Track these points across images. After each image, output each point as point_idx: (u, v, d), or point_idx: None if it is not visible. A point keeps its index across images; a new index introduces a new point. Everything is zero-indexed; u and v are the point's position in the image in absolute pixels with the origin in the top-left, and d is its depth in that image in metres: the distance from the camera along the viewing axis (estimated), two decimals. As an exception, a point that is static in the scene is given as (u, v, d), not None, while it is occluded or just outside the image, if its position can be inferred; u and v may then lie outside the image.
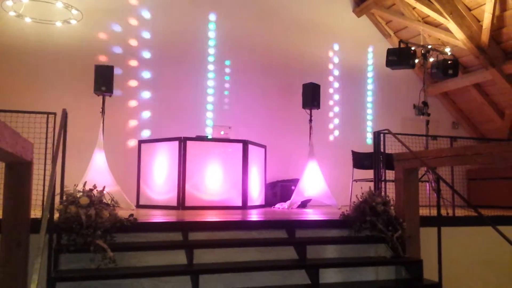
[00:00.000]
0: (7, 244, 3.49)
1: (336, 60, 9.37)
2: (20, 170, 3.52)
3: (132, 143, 7.57)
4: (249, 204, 6.86)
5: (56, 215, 3.72)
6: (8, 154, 2.75)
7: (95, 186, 3.95)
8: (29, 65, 7.26)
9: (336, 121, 9.25)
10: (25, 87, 7.17)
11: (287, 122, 8.59)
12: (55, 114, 4.35)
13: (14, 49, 7.20)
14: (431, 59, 7.49)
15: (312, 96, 7.49)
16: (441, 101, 10.03)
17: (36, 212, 3.84)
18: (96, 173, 6.10)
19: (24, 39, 7.26)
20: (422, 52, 7.20)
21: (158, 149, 6.90)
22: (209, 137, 7.28)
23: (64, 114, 3.93)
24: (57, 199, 3.86)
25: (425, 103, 6.96)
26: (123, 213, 4.04)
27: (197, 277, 3.78)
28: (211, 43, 8.45)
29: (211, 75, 8.40)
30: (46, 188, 3.84)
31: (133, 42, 7.92)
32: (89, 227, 3.61)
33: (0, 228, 3.52)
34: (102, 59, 7.34)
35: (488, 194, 8.39)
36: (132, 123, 7.78)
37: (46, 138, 4.25)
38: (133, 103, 7.82)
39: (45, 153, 4.23)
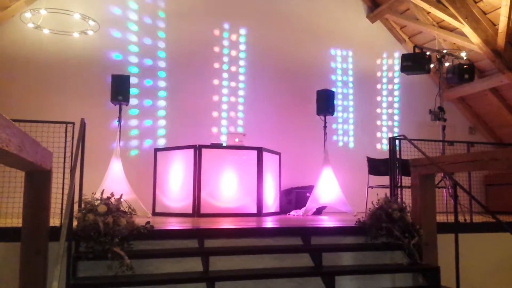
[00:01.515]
0: (26, 251, 3.56)
1: (350, 66, 9.36)
2: (39, 179, 3.59)
3: (148, 151, 7.64)
4: (264, 211, 6.86)
5: (75, 223, 3.78)
6: (29, 163, 2.81)
7: (112, 194, 4.01)
8: (47, 75, 7.40)
9: (351, 127, 9.22)
10: (44, 97, 7.31)
11: (302, 128, 8.59)
12: (73, 123, 4.43)
13: (33, 60, 7.35)
14: (447, 64, 7.43)
15: (326, 102, 7.49)
16: (458, 106, 9.93)
17: (55, 220, 3.90)
18: (113, 181, 6.18)
19: (43, 50, 7.41)
20: (437, 57, 7.15)
21: (174, 157, 6.96)
22: (224, 144, 7.32)
23: (83, 124, 4.00)
24: (75, 207, 3.92)
25: (441, 108, 6.90)
26: (139, 221, 4.09)
27: (213, 284, 3.80)
28: (225, 51, 8.52)
29: (225, 83, 8.45)
30: (65, 197, 3.90)
31: (149, 52, 8.01)
32: (107, 234, 3.66)
33: (19, 235, 3.59)
34: (119, 68, 7.43)
35: (507, 200, 8.26)
36: (148, 131, 7.86)
37: (65, 147, 4.33)
38: (149, 111, 7.91)
39: (64, 162, 4.31)
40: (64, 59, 7.50)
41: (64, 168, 4.29)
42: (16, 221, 3.87)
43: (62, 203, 4.22)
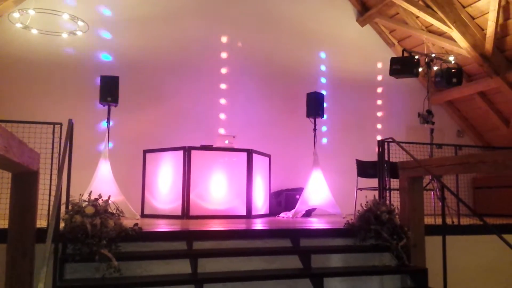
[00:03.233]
0: (13, 253, 3.52)
1: (340, 69, 9.39)
2: (26, 180, 3.56)
3: (137, 152, 7.59)
4: (254, 213, 6.85)
5: (62, 225, 3.75)
6: (15, 164, 2.78)
7: (100, 196, 3.98)
8: (35, 76, 7.34)
9: (340, 130, 9.25)
10: (32, 98, 7.24)
11: (292, 131, 8.61)
12: (61, 124, 4.39)
13: (20, 60, 7.29)
14: (435, 68, 7.50)
15: (316, 105, 7.51)
16: (446, 109, 10.02)
17: (41, 222, 3.87)
18: (101, 182, 6.13)
19: (31, 51, 7.35)
20: (426, 60, 7.21)
21: (163, 158, 6.93)
22: (214, 146, 7.30)
23: (71, 125, 3.97)
24: (62, 208, 3.89)
25: (429, 112, 6.96)
26: (128, 223, 4.06)
27: (201, 286, 3.80)
28: (215, 53, 8.51)
29: (215, 85, 8.44)
30: (52, 198, 3.87)
31: (139, 53, 7.98)
32: (94, 236, 3.63)
33: (6, 237, 3.55)
34: (108, 69, 7.38)
35: (494, 202, 8.34)
36: (137, 133, 7.82)
37: (52, 148, 4.29)
38: (138, 113, 7.87)
39: (51, 163, 4.27)
40: (53, 60, 7.44)
41: (51, 169, 4.25)
42: (3, 223, 3.83)
43: (49, 205, 4.18)
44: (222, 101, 8.46)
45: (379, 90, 9.67)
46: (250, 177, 6.85)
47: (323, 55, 9.28)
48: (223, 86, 8.50)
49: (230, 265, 4.13)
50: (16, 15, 6.44)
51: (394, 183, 5.37)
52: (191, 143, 6.90)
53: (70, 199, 3.97)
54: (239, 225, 5.26)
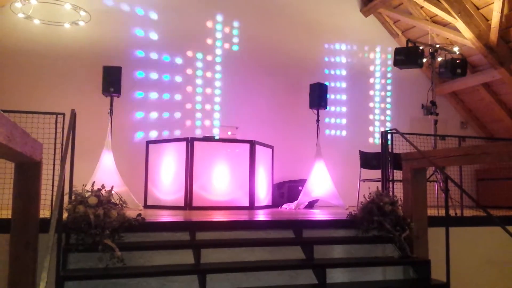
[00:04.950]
0: (16, 243, 3.54)
1: (343, 59, 9.34)
2: (29, 170, 3.56)
3: (140, 143, 7.59)
4: (256, 204, 6.86)
5: (65, 215, 3.75)
6: (18, 154, 2.78)
7: (103, 186, 3.98)
8: (38, 66, 7.32)
9: (344, 121, 9.23)
10: (34, 88, 7.23)
11: (294, 122, 8.58)
12: (64, 114, 4.38)
13: (23, 50, 7.26)
14: (439, 59, 7.46)
15: (319, 96, 7.49)
16: (450, 100, 9.97)
17: (45, 212, 3.87)
18: (104, 173, 6.14)
19: (33, 41, 7.32)
20: (430, 51, 7.16)
21: (166, 149, 6.93)
22: (216, 137, 7.30)
23: (73, 115, 3.96)
24: (66, 199, 3.90)
25: (433, 103, 6.93)
26: (131, 213, 4.06)
27: (204, 277, 3.80)
28: (218, 43, 8.47)
29: (218, 75, 8.41)
30: (55, 188, 3.87)
31: (141, 43, 7.95)
32: (98, 226, 3.64)
33: (9, 227, 3.56)
34: (110, 60, 7.36)
35: (497, 194, 8.32)
36: (140, 123, 7.81)
37: (55, 138, 4.29)
38: (141, 103, 7.85)
39: (54, 153, 4.27)
40: (55, 50, 7.41)
41: (54, 159, 4.25)
42: (6, 213, 3.84)
43: (52, 195, 4.19)
44: (225, 92, 8.42)
45: (383, 81, 9.62)
46: (253, 168, 6.85)
47: (326, 45, 9.22)
48: (225, 76, 8.45)
49: (233, 255, 4.13)
50: (18, 5, 6.41)
51: (397, 174, 5.35)
52: (193, 134, 6.89)
53: (73, 189, 3.97)
54: (242, 216, 5.26)
